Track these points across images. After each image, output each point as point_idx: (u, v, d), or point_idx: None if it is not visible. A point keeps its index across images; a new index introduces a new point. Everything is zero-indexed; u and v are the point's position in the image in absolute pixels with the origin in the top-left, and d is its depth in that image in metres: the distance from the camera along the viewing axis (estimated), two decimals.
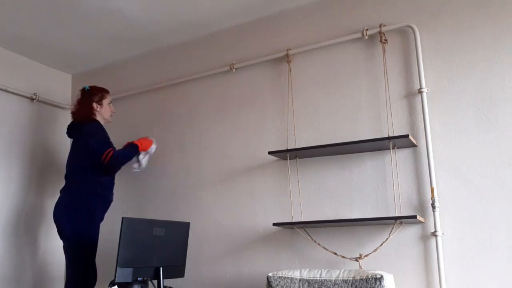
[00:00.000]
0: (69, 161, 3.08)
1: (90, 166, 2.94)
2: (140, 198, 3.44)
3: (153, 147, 3.18)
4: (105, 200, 3.02)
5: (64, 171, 3.08)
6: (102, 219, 3.01)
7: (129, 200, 3.46)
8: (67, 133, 3.21)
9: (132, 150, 3.08)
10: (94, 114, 3.10)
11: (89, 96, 3.12)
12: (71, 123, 3.17)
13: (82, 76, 3.95)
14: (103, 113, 3.13)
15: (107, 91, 3.19)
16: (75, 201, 2.91)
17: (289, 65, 2.97)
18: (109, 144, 2.99)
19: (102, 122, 3.11)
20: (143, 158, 3.16)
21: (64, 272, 3.00)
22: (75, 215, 2.87)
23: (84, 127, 3.04)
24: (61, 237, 2.94)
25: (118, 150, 3.01)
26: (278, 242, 2.86)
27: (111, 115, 3.19)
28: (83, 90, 3.16)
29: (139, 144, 3.09)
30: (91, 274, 2.90)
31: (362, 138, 2.66)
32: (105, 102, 3.14)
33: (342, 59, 2.84)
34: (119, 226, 2.35)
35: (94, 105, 3.10)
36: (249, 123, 3.10)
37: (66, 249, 2.92)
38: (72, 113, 3.17)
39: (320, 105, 2.87)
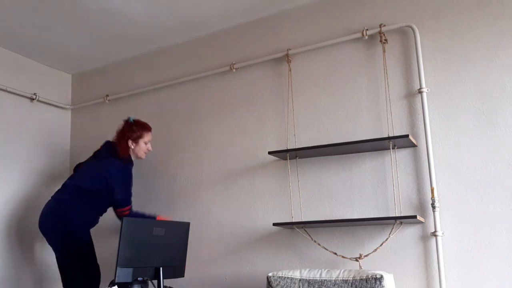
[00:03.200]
0: (78, 177, 3.06)
1: (96, 196, 2.97)
2: (140, 198, 3.44)
3: None
4: (92, 222, 3.04)
5: (66, 173, 3.09)
6: (88, 233, 3.01)
7: None
8: (100, 148, 3.17)
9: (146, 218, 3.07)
10: (128, 150, 3.05)
11: (128, 132, 3.05)
12: (109, 144, 3.11)
13: (82, 76, 3.95)
14: (137, 151, 3.07)
15: (148, 129, 3.11)
16: (60, 212, 2.92)
17: (289, 65, 2.97)
18: (129, 195, 3.00)
19: (132, 158, 3.08)
20: None
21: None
22: (59, 226, 2.89)
23: (115, 163, 2.99)
24: (48, 242, 2.97)
25: (137, 213, 3.04)
26: (278, 242, 2.86)
27: (145, 153, 3.11)
28: (127, 122, 3.10)
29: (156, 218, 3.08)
30: (90, 272, 2.90)
31: (362, 138, 2.66)
32: (142, 141, 3.06)
33: (342, 59, 2.84)
34: (119, 226, 2.35)
35: (130, 142, 3.04)
36: (249, 123, 3.10)
37: (56, 253, 2.95)
38: (112, 142, 3.11)
39: (320, 105, 2.87)
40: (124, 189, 2.97)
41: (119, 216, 2.96)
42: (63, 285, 2.94)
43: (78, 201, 2.94)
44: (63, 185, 3.07)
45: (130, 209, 2.98)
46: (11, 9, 2.96)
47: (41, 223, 2.97)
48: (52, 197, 3.04)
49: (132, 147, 3.05)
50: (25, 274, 3.39)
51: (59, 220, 2.91)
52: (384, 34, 2.68)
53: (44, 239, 3.48)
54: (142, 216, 3.03)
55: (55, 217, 2.92)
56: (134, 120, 3.10)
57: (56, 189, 3.10)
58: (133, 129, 3.06)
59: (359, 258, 2.55)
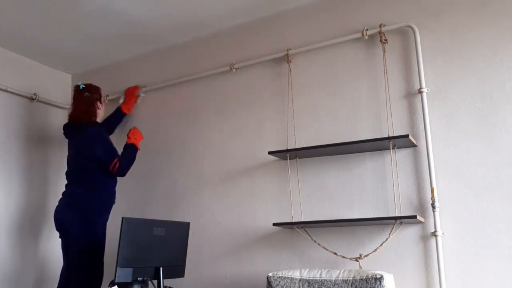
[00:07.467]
0: (71, 163, 3.05)
1: (93, 170, 2.95)
2: (140, 198, 3.44)
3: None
4: (107, 203, 3.02)
5: (64, 170, 3.09)
6: (107, 219, 3.01)
7: (129, 200, 3.46)
8: (64, 133, 3.17)
9: (134, 152, 3.07)
10: (96, 114, 3.09)
11: (92, 94, 3.09)
12: (69, 123, 3.13)
13: (82, 76, 3.94)
14: (102, 112, 3.15)
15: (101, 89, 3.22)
16: (77, 203, 2.91)
17: (289, 65, 2.97)
18: (113, 151, 3.00)
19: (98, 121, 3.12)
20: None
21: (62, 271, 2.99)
22: (79, 217, 2.86)
23: (88, 131, 3.00)
24: (65, 240, 2.91)
25: (122, 157, 3.00)
26: (278, 242, 2.86)
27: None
28: (79, 88, 3.09)
29: (135, 143, 3.08)
30: (96, 275, 2.88)
31: (362, 138, 2.66)
32: (103, 100, 3.18)
33: (342, 59, 2.84)
34: (119, 226, 2.35)
35: (98, 104, 3.10)
36: (249, 123, 3.10)
37: (70, 250, 2.87)
38: (75, 112, 3.08)
39: (320, 105, 2.87)
40: (103, 148, 2.96)
41: (116, 173, 2.95)
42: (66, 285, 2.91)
43: (88, 187, 2.93)
44: (69, 179, 3.03)
45: (118, 161, 2.95)
46: (11, 9, 2.96)
47: (57, 216, 2.91)
48: (63, 193, 3.01)
49: (100, 108, 3.11)
50: (25, 274, 3.38)
51: (78, 211, 2.87)
52: (384, 34, 2.68)
53: (47, 238, 3.50)
54: (128, 156, 3.03)
55: (74, 208, 2.88)
56: (86, 84, 3.11)
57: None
58: (94, 90, 3.10)
59: (359, 258, 2.55)
